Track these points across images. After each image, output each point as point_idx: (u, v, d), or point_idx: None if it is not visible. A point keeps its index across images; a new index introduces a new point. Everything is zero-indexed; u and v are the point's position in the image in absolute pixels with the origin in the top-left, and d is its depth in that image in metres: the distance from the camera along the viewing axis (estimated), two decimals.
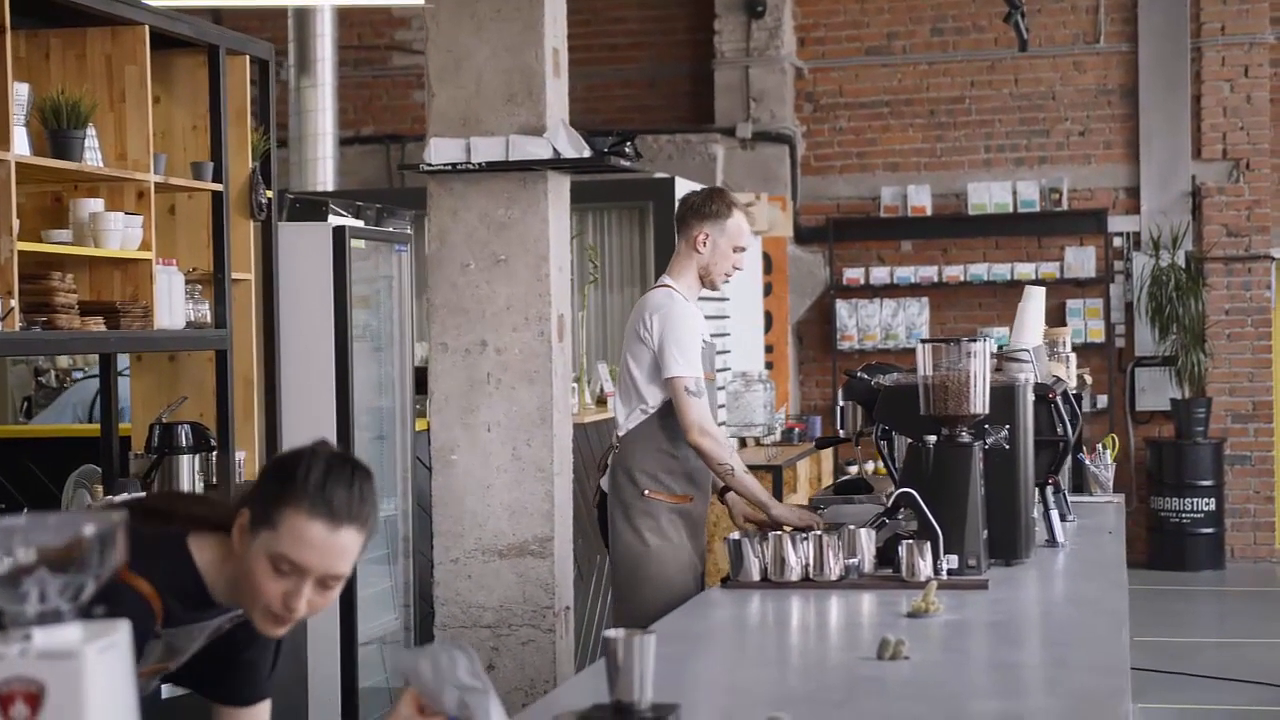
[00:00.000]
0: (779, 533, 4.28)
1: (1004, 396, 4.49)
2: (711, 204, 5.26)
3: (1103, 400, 12.42)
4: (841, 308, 12.78)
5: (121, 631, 1.76)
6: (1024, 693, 3.07)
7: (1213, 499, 12.13)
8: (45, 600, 1.73)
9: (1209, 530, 12.14)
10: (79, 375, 8.41)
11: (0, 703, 1.69)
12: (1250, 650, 9.57)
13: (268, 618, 2.60)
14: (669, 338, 5.07)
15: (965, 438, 4.36)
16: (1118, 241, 12.60)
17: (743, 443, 10.05)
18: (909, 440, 4.50)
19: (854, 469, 11.74)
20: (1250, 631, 10.17)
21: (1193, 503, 12.10)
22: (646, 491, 5.15)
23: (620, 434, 5.26)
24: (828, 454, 11.11)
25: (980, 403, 4.35)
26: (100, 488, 5.40)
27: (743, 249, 5.29)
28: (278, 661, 2.90)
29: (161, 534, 2.66)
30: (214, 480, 5.53)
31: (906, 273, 12.71)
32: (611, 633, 2.69)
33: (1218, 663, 9.03)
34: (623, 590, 5.22)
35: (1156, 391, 12.45)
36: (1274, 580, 12.03)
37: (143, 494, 4.93)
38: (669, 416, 5.12)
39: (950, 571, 4.20)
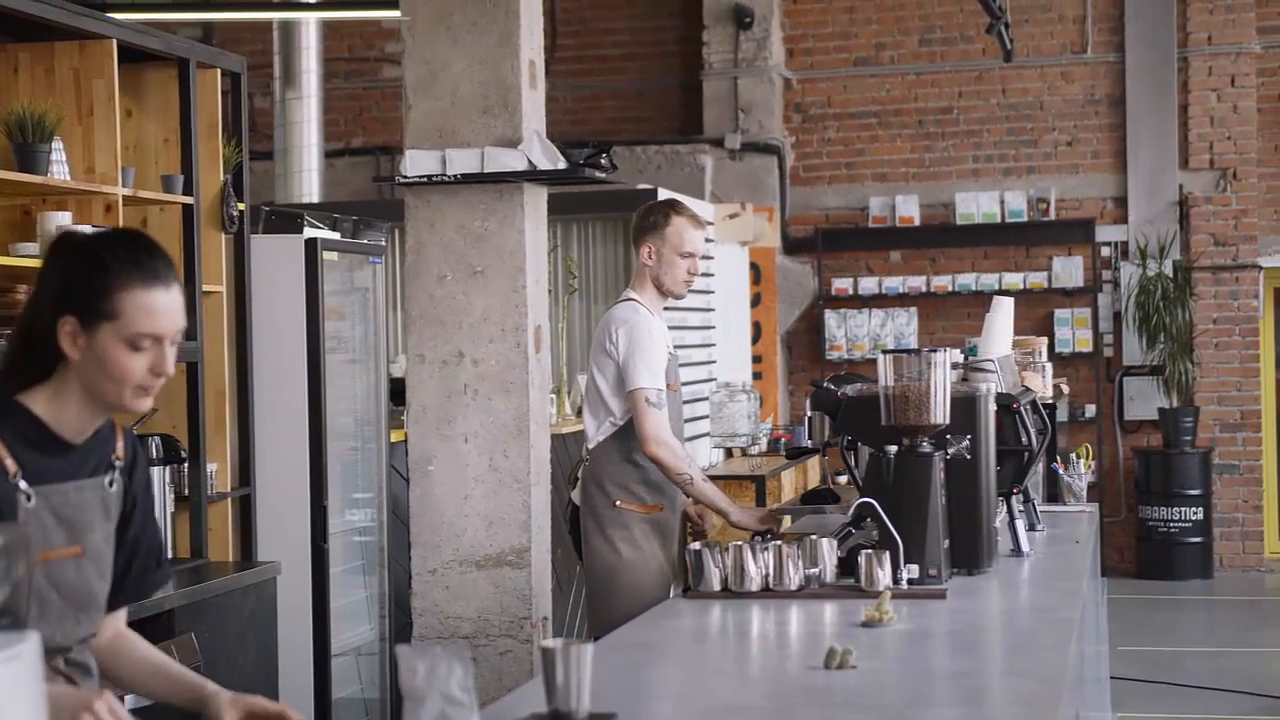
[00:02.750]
0: (739, 543, 4.30)
1: (965, 406, 4.50)
2: (649, 216, 5.34)
3: (1090, 410, 12.42)
4: (830, 318, 12.79)
5: (29, 643, 1.78)
6: (961, 701, 3.08)
7: (1201, 508, 12.13)
8: None
9: (1197, 539, 12.14)
10: None
11: None
12: (1237, 659, 9.57)
13: (137, 394, 2.69)
14: (634, 351, 5.13)
15: (926, 448, 4.36)
16: (1105, 251, 12.61)
17: (728, 453, 10.06)
18: (870, 450, 4.51)
19: (844, 479, 11.74)
20: (1238, 641, 10.17)
21: (1181, 512, 12.10)
22: (618, 502, 5.20)
23: (590, 446, 5.32)
24: (814, 464, 11.11)
25: (941, 413, 4.35)
26: None
27: (690, 254, 5.30)
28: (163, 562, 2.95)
29: None
30: (185, 493, 5.55)
31: (895, 283, 12.72)
32: (548, 643, 2.71)
33: (1204, 672, 9.03)
34: (596, 600, 5.25)
35: (1144, 401, 12.46)
36: (1262, 589, 12.03)
37: None
38: None
39: (911, 581, 4.21)
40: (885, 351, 4.42)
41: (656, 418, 5.08)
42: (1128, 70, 12.55)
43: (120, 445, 2.83)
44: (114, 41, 5.12)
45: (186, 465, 5.53)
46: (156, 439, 5.38)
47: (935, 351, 4.38)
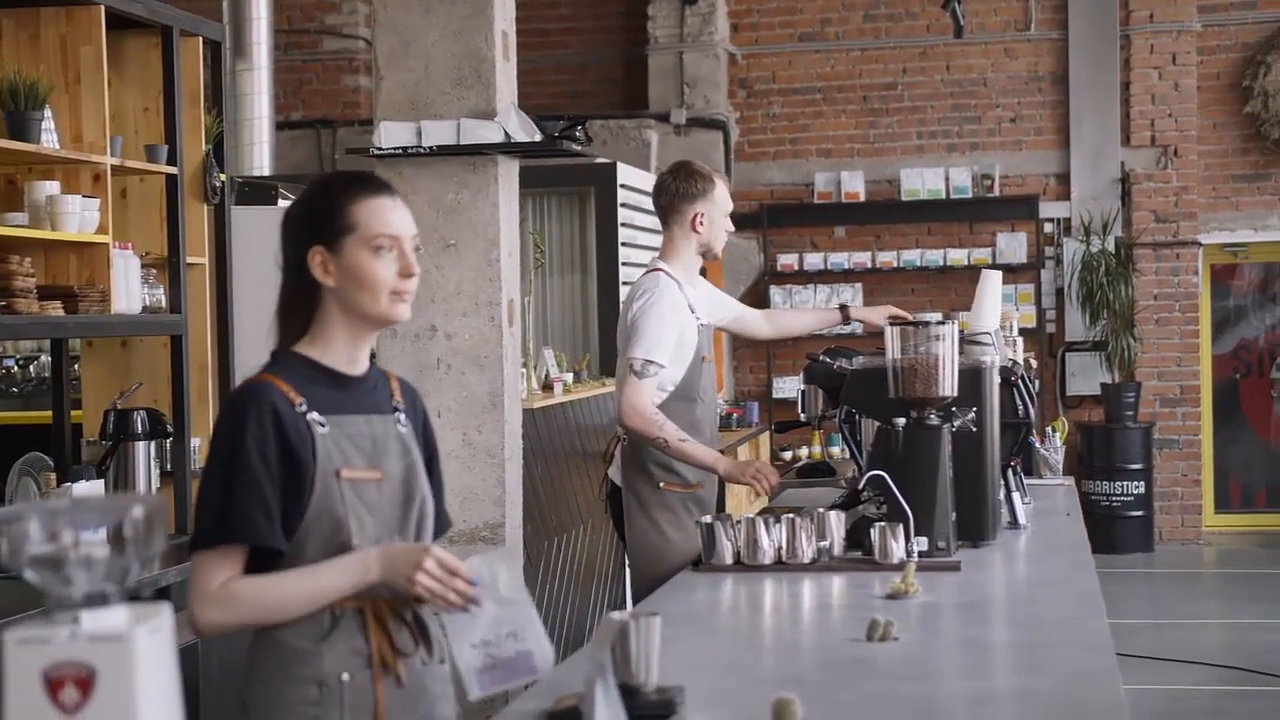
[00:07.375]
0: (752, 516, 4.28)
1: (971, 379, 4.51)
2: (696, 183, 5.27)
3: (1034, 385, 12.51)
4: (776, 293, 12.81)
5: (165, 615, 1.74)
6: (1019, 671, 3.09)
7: (1142, 482, 12.27)
8: (92, 583, 1.71)
9: (1138, 513, 12.29)
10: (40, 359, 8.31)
11: (50, 687, 1.66)
12: (1180, 631, 9.70)
13: (393, 300, 2.83)
14: (641, 319, 5.05)
15: (934, 420, 4.37)
16: (1049, 227, 12.71)
17: None
18: (877, 423, 4.51)
19: (804, 452, 11.80)
20: (1179, 613, 10.31)
21: (1122, 486, 12.24)
22: (662, 484, 5.11)
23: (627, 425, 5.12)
24: (765, 439, 11.15)
25: (949, 385, 4.36)
26: (53, 475, 5.32)
27: (729, 212, 5.38)
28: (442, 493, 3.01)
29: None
30: (169, 467, 5.46)
31: (840, 259, 12.76)
32: (618, 615, 2.68)
33: (1147, 643, 9.13)
34: (643, 583, 5.10)
35: (1087, 376, 12.58)
36: (1202, 562, 12.20)
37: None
38: (676, 404, 5.07)
39: (920, 553, 4.22)
40: (894, 323, 4.41)
41: (635, 388, 4.98)
42: (1071, 47, 12.64)
43: (396, 389, 2.95)
44: (101, 8, 5.02)
45: (170, 439, 5.43)
46: (141, 413, 5.29)
47: (943, 323, 4.39)
